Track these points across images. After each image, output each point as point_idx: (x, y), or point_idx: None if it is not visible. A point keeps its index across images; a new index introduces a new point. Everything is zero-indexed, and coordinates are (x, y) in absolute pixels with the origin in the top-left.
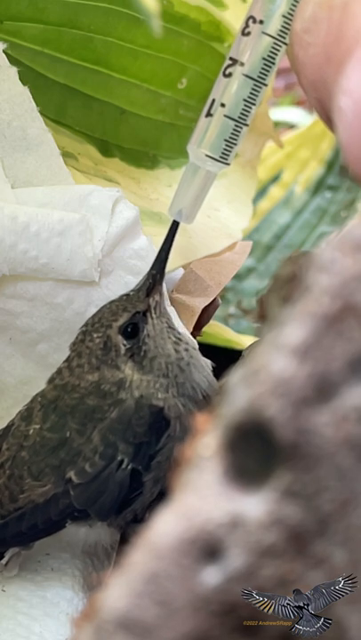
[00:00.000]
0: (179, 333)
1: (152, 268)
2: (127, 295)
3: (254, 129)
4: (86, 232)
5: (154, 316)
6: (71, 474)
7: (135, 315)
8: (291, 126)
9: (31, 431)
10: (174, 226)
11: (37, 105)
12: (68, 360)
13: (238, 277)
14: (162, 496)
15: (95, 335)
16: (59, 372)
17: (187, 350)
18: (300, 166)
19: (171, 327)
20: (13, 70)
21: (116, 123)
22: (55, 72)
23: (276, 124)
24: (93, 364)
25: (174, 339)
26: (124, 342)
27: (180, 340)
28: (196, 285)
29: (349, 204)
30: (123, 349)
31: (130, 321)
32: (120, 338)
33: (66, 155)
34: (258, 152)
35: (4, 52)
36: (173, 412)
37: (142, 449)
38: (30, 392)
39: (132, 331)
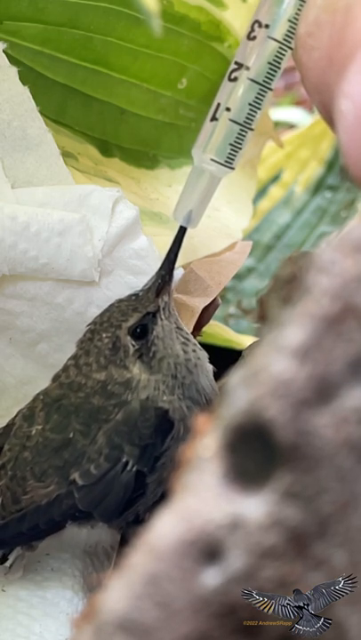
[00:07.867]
0: (187, 334)
1: (161, 269)
2: (136, 295)
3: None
4: (86, 232)
5: (163, 317)
6: (75, 475)
7: (145, 316)
8: (291, 126)
9: (34, 431)
10: (182, 231)
11: (37, 105)
12: (74, 357)
13: (238, 277)
14: (163, 497)
15: (104, 335)
16: (65, 369)
17: (194, 351)
18: (300, 166)
19: (179, 327)
20: (13, 70)
21: (116, 123)
22: (55, 72)
23: (276, 124)
24: (101, 363)
25: (182, 339)
26: (133, 343)
27: (188, 340)
28: (196, 285)
29: (349, 204)
30: (131, 350)
31: (140, 322)
32: (129, 339)
33: (66, 155)
34: (258, 152)
35: (4, 51)
36: (178, 414)
37: (148, 451)
38: (30, 392)
39: (141, 331)
